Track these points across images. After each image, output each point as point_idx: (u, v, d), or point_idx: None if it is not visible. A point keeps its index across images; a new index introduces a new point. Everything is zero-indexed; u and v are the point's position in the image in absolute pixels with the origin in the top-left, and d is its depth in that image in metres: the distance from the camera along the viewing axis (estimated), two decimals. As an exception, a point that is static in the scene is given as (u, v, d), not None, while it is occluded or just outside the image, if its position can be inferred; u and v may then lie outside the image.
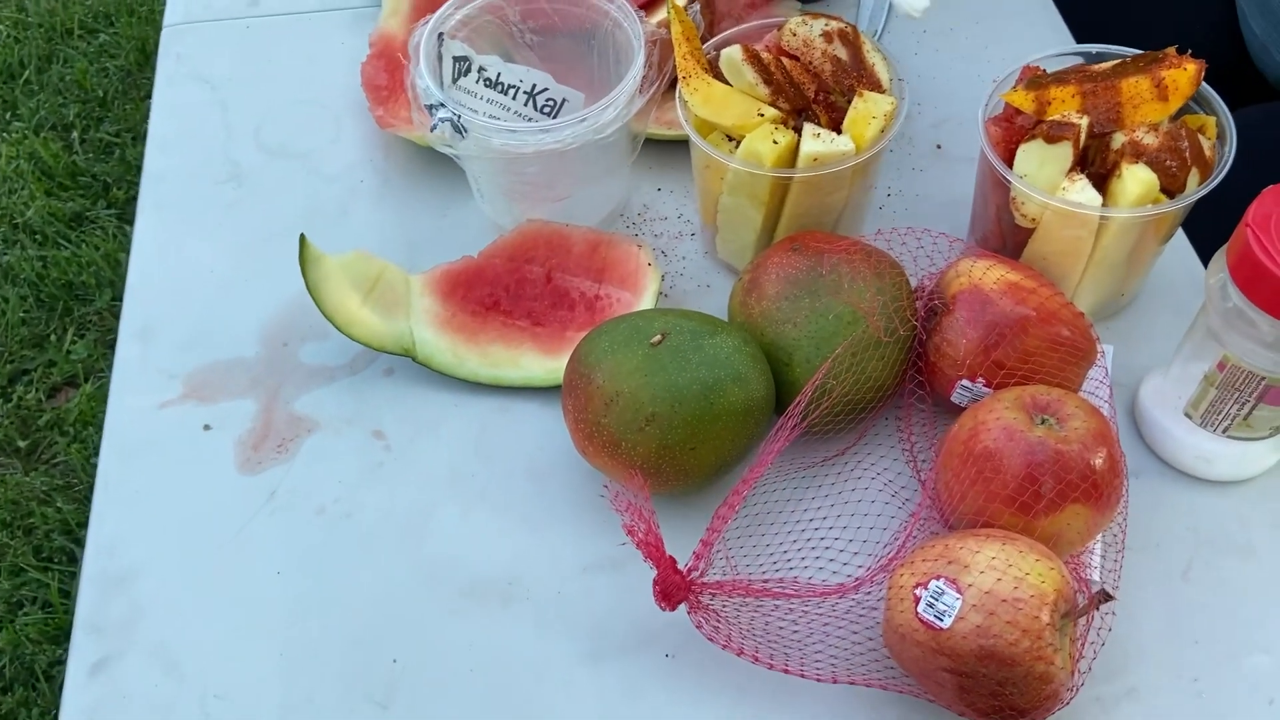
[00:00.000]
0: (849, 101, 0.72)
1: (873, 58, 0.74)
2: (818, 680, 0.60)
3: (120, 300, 0.89)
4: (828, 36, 0.73)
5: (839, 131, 0.71)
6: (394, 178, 0.87)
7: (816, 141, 0.70)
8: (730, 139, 0.73)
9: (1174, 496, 0.69)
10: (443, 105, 0.73)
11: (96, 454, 0.85)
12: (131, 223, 0.99)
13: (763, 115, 0.71)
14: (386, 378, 0.76)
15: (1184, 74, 0.69)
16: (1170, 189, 0.68)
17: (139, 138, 1.89)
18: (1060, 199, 0.68)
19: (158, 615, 0.66)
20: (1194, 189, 0.68)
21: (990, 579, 0.56)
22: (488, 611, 0.66)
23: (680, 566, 0.59)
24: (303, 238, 0.74)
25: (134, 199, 1.75)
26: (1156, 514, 0.69)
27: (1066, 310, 0.67)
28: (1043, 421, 0.61)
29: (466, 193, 0.84)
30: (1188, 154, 0.68)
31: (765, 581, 0.62)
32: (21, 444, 1.54)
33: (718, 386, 0.64)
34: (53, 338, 1.65)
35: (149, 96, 1.34)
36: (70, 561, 1.44)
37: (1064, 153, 0.68)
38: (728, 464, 0.67)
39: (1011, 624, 0.55)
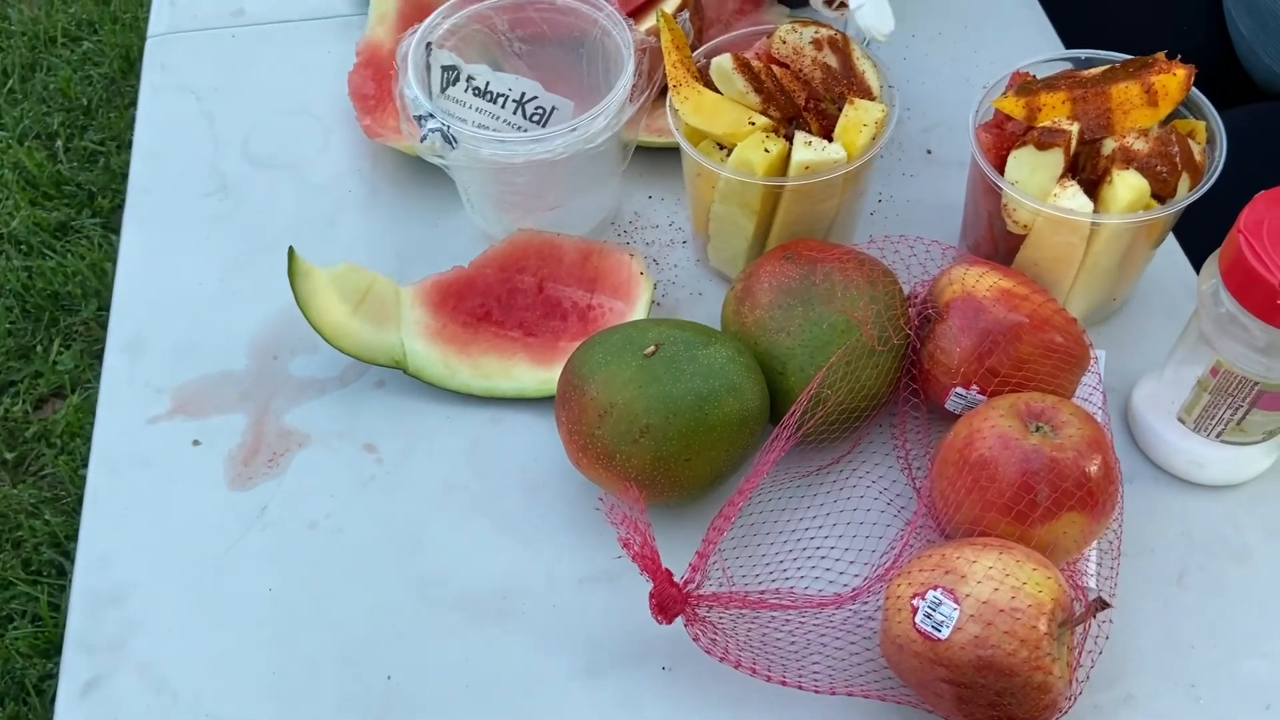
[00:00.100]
0: (840, 109, 0.72)
1: (863, 65, 0.74)
2: (816, 692, 0.60)
3: (106, 310, 0.88)
4: (818, 44, 0.73)
5: (830, 139, 0.71)
6: (383, 188, 0.87)
7: (808, 150, 0.69)
8: (721, 147, 0.72)
9: (1168, 502, 0.69)
10: (432, 116, 0.73)
11: (84, 465, 0.85)
12: (117, 232, 0.98)
13: (754, 124, 0.71)
14: (378, 390, 0.76)
15: (1174, 79, 0.69)
16: (1161, 194, 0.68)
17: (123, 146, 1.88)
18: (1052, 205, 0.68)
19: (149, 634, 0.66)
20: (1185, 194, 0.68)
21: (988, 589, 0.56)
22: (482, 626, 0.65)
23: (676, 579, 0.59)
24: (291, 251, 0.73)
25: (119, 208, 1.74)
26: (1151, 520, 0.69)
27: (1059, 316, 0.67)
28: (1037, 429, 0.61)
29: (456, 203, 0.84)
30: (1178, 159, 0.68)
31: (762, 593, 0.62)
32: (9, 456, 1.53)
33: (712, 397, 0.64)
34: (39, 349, 1.64)
35: (133, 104, 1.33)
36: (59, 575, 1.43)
37: (1055, 159, 0.68)
38: (723, 475, 0.66)
39: (1009, 634, 0.54)
